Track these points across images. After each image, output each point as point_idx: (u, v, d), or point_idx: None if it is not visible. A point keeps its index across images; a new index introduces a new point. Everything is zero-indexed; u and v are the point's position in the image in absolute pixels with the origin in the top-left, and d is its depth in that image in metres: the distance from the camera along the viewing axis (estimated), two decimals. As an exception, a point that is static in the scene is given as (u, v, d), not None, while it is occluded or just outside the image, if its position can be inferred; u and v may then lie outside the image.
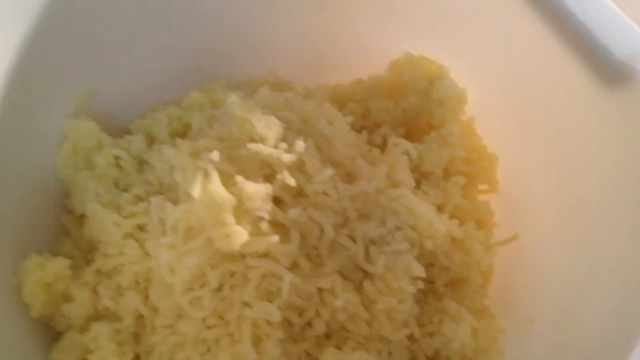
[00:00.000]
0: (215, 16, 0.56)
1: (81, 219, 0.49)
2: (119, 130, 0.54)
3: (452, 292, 0.48)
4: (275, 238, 0.39)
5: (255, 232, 0.39)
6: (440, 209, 0.48)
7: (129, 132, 0.53)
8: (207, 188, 0.39)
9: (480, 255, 0.47)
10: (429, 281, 0.47)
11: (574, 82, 0.43)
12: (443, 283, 0.47)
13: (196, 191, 0.39)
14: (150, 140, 0.52)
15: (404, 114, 0.52)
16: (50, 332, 0.46)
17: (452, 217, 0.48)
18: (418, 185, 0.49)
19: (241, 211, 0.39)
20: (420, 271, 0.43)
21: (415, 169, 0.50)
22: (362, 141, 0.49)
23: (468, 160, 0.51)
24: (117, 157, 0.49)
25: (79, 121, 0.49)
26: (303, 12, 0.57)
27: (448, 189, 0.49)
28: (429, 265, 0.46)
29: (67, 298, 0.45)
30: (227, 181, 0.40)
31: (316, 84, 0.59)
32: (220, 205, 0.38)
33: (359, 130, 0.52)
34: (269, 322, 0.41)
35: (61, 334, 0.46)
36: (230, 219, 0.38)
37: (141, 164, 0.50)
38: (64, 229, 0.51)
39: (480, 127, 0.54)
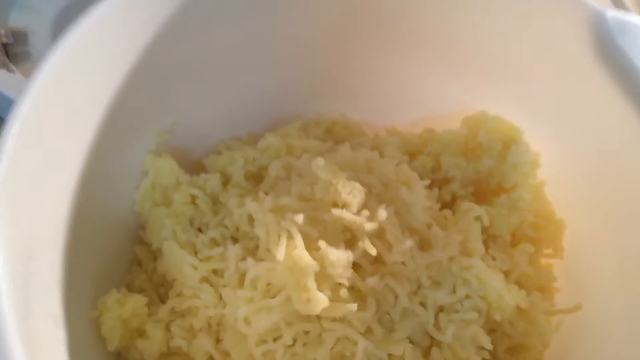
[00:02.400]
0: (292, 55, 0.57)
1: (155, 252, 0.51)
2: (192, 163, 0.56)
3: (511, 358, 0.49)
4: (354, 306, 0.40)
5: (335, 298, 0.41)
6: (506, 275, 0.49)
7: (202, 166, 0.55)
8: (291, 252, 0.40)
9: (544, 326, 0.47)
10: (491, 346, 0.48)
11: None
12: (504, 349, 0.48)
13: (281, 254, 0.40)
14: (225, 180, 0.53)
15: (475, 174, 0.53)
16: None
17: (517, 283, 0.49)
18: (486, 247, 0.49)
19: (323, 276, 0.40)
20: (487, 342, 0.44)
21: (483, 230, 0.50)
22: (433, 199, 0.50)
23: (536, 226, 0.52)
24: (194, 196, 0.51)
25: (161, 159, 0.51)
26: (379, 57, 0.58)
27: (516, 256, 0.49)
28: (491, 331, 0.47)
29: (142, 333, 0.47)
30: (310, 245, 0.41)
31: (384, 127, 0.60)
32: (303, 270, 0.40)
33: (428, 183, 0.52)
34: (340, 384, 0.42)
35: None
36: (312, 284, 0.40)
37: (215, 203, 0.52)
38: (137, 260, 0.52)
39: (547, 189, 0.54)
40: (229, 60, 0.54)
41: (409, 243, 0.42)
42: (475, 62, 0.55)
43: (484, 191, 0.54)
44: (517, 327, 0.47)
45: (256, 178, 0.53)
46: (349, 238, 0.42)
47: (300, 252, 0.40)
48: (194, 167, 0.55)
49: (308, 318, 0.42)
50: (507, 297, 0.45)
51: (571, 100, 0.51)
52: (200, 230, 0.51)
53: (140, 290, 0.50)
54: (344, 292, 0.41)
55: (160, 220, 0.50)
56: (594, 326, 0.50)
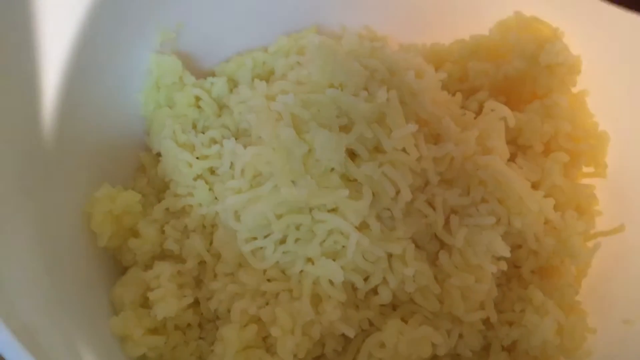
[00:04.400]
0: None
1: (158, 156, 0.49)
2: (203, 72, 0.53)
3: (539, 281, 0.43)
4: (345, 192, 0.36)
5: (324, 184, 0.37)
6: (535, 186, 0.43)
7: (213, 75, 0.52)
8: (278, 132, 0.37)
9: (577, 248, 0.41)
10: (514, 265, 0.42)
11: None
12: (530, 269, 0.42)
13: (266, 134, 0.37)
14: (233, 85, 0.50)
15: (505, 80, 0.47)
16: (118, 266, 0.46)
17: (547, 196, 0.43)
18: (513, 158, 0.44)
19: (311, 160, 0.37)
20: (504, 250, 0.38)
21: (512, 140, 0.45)
22: (455, 103, 0.45)
23: (574, 137, 0.45)
24: (197, 98, 0.48)
25: (164, 56, 0.48)
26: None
27: (547, 165, 0.44)
28: (516, 247, 0.42)
29: (135, 233, 0.45)
30: (301, 127, 0.37)
31: (413, 42, 0.55)
32: (289, 151, 0.36)
33: (453, 93, 0.47)
34: (331, 282, 0.38)
35: (127, 269, 0.46)
36: (299, 166, 0.36)
37: (221, 108, 0.49)
38: (142, 166, 0.50)
39: (593, 102, 0.48)
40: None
41: (410, 127, 0.37)
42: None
43: (516, 100, 0.48)
44: (545, 244, 0.41)
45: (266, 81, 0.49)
46: (345, 123, 0.38)
47: (287, 132, 0.36)
48: (206, 75, 0.52)
49: (299, 209, 0.38)
50: (529, 201, 0.39)
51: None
52: (203, 133, 0.48)
53: (142, 195, 0.48)
54: (335, 178, 0.37)
55: (162, 121, 0.48)
56: (637, 254, 0.44)
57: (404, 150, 0.37)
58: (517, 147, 0.45)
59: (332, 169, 0.37)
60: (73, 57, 0.44)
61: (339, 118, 0.38)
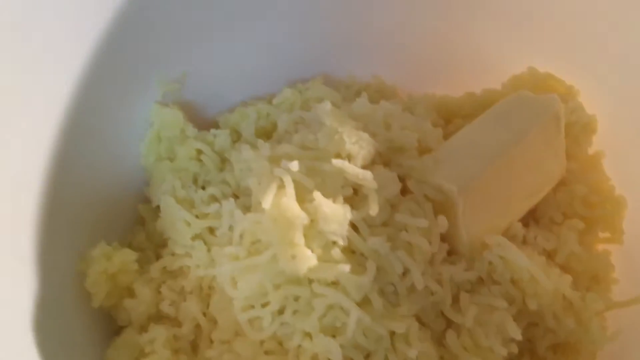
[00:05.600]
0: (321, 10, 0.52)
1: (158, 209, 0.48)
2: (206, 121, 0.52)
3: (553, 356, 0.40)
4: (346, 267, 0.34)
5: (326, 258, 0.35)
6: (551, 256, 0.41)
7: (216, 125, 0.51)
8: (279, 200, 0.35)
9: (598, 333, 0.38)
10: (527, 340, 0.40)
11: None
12: (545, 346, 0.40)
13: (267, 202, 0.35)
14: (237, 136, 0.49)
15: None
16: (113, 325, 0.45)
17: (564, 266, 0.41)
18: (526, 226, 0.42)
19: (313, 232, 0.35)
20: (516, 333, 0.36)
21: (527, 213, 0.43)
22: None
23: (589, 203, 0.43)
24: (199, 151, 0.47)
25: (166, 108, 0.47)
26: (418, 15, 0.52)
27: (562, 233, 0.42)
28: (530, 325, 0.40)
29: (131, 292, 0.43)
30: (304, 196, 0.36)
31: (423, 93, 0.53)
32: (290, 222, 0.34)
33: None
34: (329, 360, 0.36)
35: (122, 328, 0.44)
36: (299, 238, 0.34)
37: (224, 161, 0.47)
38: (140, 219, 0.49)
39: (609, 163, 0.46)
40: (251, 8, 0.49)
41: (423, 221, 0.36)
42: (527, 19, 0.48)
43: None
44: (564, 324, 0.38)
45: (269, 135, 0.48)
46: (349, 195, 0.37)
47: (289, 201, 0.35)
48: (209, 126, 0.51)
49: (297, 281, 0.36)
50: (543, 279, 0.37)
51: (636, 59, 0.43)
52: (203, 188, 0.46)
53: (139, 250, 0.46)
54: (336, 252, 0.35)
55: (162, 175, 0.47)
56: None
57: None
58: (531, 217, 0.43)
59: (334, 242, 0.35)
60: (71, 104, 0.42)
61: (344, 189, 0.36)
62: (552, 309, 0.38)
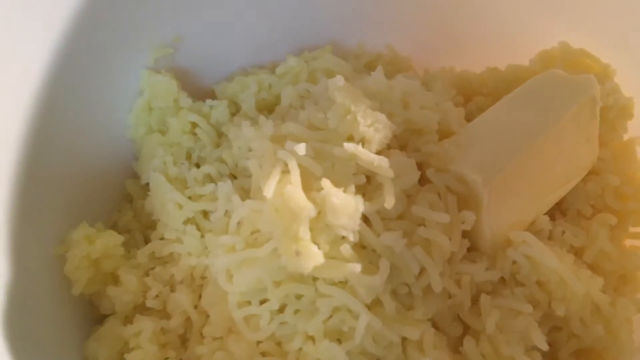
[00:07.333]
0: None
1: (147, 187, 0.43)
2: (203, 90, 0.47)
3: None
4: (357, 267, 0.30)
5: (334, 255, 0.31)
6: (579, 253, 0.37)
7: (213, 95, 0.46)
8: (283, 188, 0.31)
9: (627, 343, 0.35)
10: (548, 343, 0.36)
11: None
12: (569, 352, 0.37)
13: (269, 190, 0.31)
14: (235, 109, 0.45)
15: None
16: (95, 313, 0.41)
17: (593, 266, 0.37)
18: (553, 219, 0.38)
19: (321, 225, 0.31)
20: (541, 342, 0.33)
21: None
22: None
23: (621, 194, 0.40)
24: (194, 124, 0.43)
25: (157, 76, 0.43)
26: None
27: (592, 228, 0.38)
28: (553, 329, 0.36)
29: (115, 279, 0.39)
30: (310, 184, 0.32)
31: (440, 67, 0.49)
32: (294, 213, 0.30)
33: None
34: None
35: (105, 317, 0.40)
36: (304, 233, 0.30)
37: (220, 136, 0.43)
38: (128, 196, 0.45)
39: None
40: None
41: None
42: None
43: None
44: (592, 330, 0.35)
45: (270, 109, 0.44)
46: (361, 184, 0.32)
47: (294, 190, 0.31)
48: (205, 96, 0.47)
49: (301, 278, 0.32)
50: (574, 283, 0.33)
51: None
52: (198, 166, 0.42)
53: (126, 231, 0.43)
54: (346, 249, 0.31)
55: (152, 149, 0.42)
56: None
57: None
58: (558, 210, 0.40)
59: (343, 238, 0.31)
60: (53, 68, 0.38)
61: (355, 177, 0.32)
62: (580, 314, 0.34)
